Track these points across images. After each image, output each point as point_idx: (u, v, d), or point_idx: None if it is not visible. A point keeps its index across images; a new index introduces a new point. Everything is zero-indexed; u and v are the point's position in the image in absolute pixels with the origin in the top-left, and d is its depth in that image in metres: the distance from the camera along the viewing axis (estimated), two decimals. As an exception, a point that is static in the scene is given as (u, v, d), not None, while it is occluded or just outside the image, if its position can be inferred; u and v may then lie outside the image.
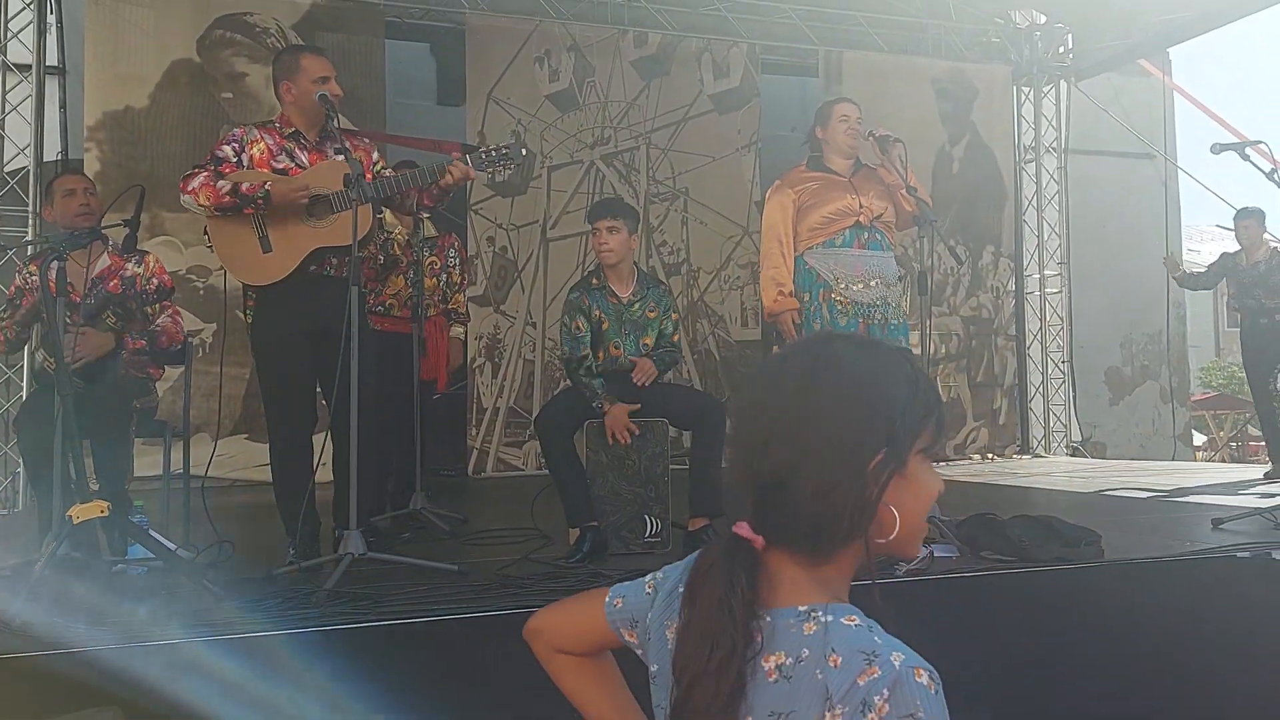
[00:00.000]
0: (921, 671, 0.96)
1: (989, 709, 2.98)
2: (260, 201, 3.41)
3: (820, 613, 1.02)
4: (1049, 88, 9.31)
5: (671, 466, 3.82)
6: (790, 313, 4.07)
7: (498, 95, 7.50)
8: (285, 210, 3.43)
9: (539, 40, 7.68)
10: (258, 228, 3.46)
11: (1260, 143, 4.60)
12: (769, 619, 1.03)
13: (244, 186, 3.42)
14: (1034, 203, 9.31)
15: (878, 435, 1.04)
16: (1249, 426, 17.28)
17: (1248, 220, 6.61)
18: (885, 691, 0.95)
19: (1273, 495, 5.18)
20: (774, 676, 1.00)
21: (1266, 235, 6.61)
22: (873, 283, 4.13)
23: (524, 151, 3.63)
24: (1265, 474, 6.44)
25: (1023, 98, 9.36)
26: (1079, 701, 3.08)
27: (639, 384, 3.86)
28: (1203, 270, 7.13)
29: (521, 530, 4.11)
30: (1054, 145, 9.29)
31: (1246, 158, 4.56)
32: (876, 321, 4.11)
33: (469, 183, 3.63)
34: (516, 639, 2.57)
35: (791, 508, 1.03)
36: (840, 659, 0.98)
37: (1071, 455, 9.12)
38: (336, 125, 3.50)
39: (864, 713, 0.95)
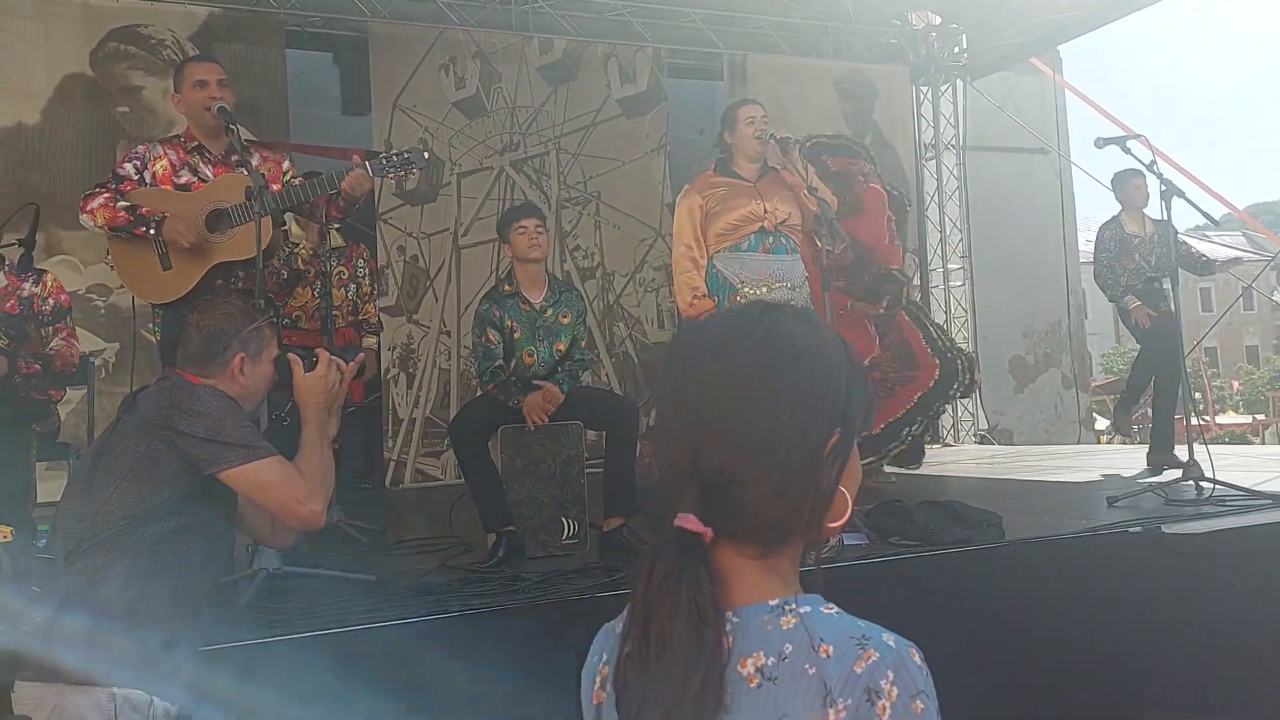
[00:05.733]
0: (914, 650, 0.93)
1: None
2: (154, 227, 3.36)
3: (794, 604, 0.95)
4: (946, 87, 9.60)
5: (586, 468, 3.86)
6: (705, 314, 4.14)
7: (403, 103, 7.46)
8: (184, 226, 3.39)
9: (443, 47, 7.65)
10: (157, 245, 3.40)
11: (1140, 136, 4.81)
12: (736, 619, 0.95)
13: (142, 210, 3.37)
14: (935, 199, 9.58)
15: (832, 416, 0.99)
16: (1149, 409, 17.96)
17: (1138, 179, 5.91)
18: (890, 674, 0.90)
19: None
20: (755, 681, 0.92)
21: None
22: (777, 286, 4.22)
23: (426, 156, 3.61)
24: (1154, 463, 5.99)
25: (921, 97, 9.62)
26: (987, 681, 3.20)
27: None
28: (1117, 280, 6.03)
29: (440, 539, 4.11)
30: (952, 143, 9.57)
31: (1128, 150, 4.77)
32: None
33: (373, 190, 3.59)
34: (435, 646, 2.60)
35: (746, 499, 0.96)
36: (832, 648, 0.92)
37: (980, 443, 9.40)
38: (238, 136, 3.46)
39: (872, 701, 0.89)
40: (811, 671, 0.91)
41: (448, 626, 2.72)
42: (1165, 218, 4.80)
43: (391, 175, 3.58)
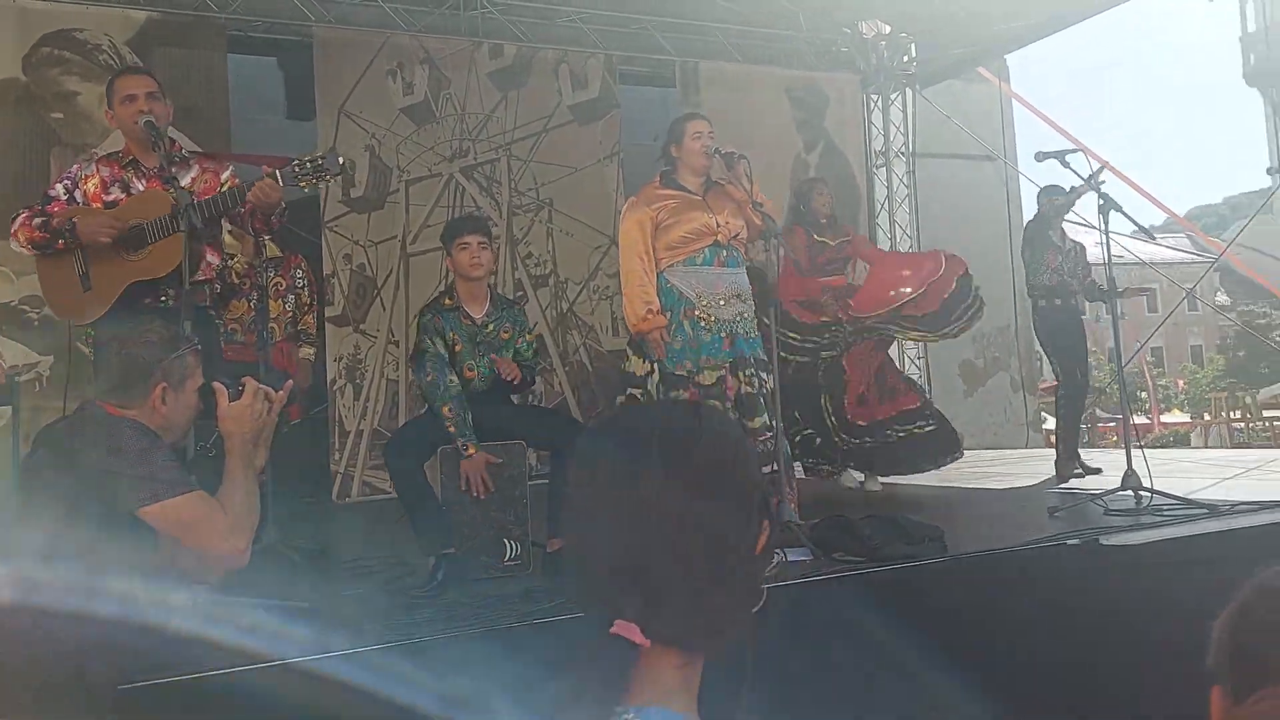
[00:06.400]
0: None
1: (848, 709, 3.08)
2: (68, 234, 3.27)
3: (631, 713, 0.94)
4: (896, 95, 9.65)
5: (529, 488, 3.82)
6: (659, 330, 4.11)
7: (349, 109, 7.35)
8: (104, 246, 3.30)
9: (390, 53, 7.56)
10: (79, 266, 3.32)
11: (1079, 150, 4.88)
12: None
13: (54, 221, 3.29)
14: (886, 206, 9.64)
15: (759, 511, 1.02)
16: (1096, 410, 18.27)
17: (1054, 196, 6.18)
18: None
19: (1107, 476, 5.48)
20: None
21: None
22: (732, 299, 4.23)
23: (341, 161, 3.50)
24: (1063, 472, 6.14)
25: (872, 105, 9.67)
26: (927, 697, 3.21)
27: (507, 378, 3.84)
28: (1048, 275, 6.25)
29: (381, 559, 4.05)
30: (902, 150, 9.64)
31: (1067, 164, 4.83)
32: (740, 336, 4.20)
33: (279, 195, 3.45)
34: (368, 678, 2.54)
35: (698, 604, 0.97)
36: None
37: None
38: (165, 150, 3.38)
39: None
40: None
41: (378, 658, 2.66)
42: (1103, 228, 4.86)
43: (304, 183, 3.44)
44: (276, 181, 3.37)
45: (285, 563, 4.18)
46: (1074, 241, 6.41)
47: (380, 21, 7.56)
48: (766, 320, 4.27)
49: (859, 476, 6.10)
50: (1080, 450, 6.40)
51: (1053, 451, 6.68)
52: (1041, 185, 6.64)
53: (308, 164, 3.42)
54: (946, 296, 5.87)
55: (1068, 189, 6.08)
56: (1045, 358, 6.64)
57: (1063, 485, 5.90)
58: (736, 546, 0.99)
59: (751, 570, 0.99)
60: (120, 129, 3.49)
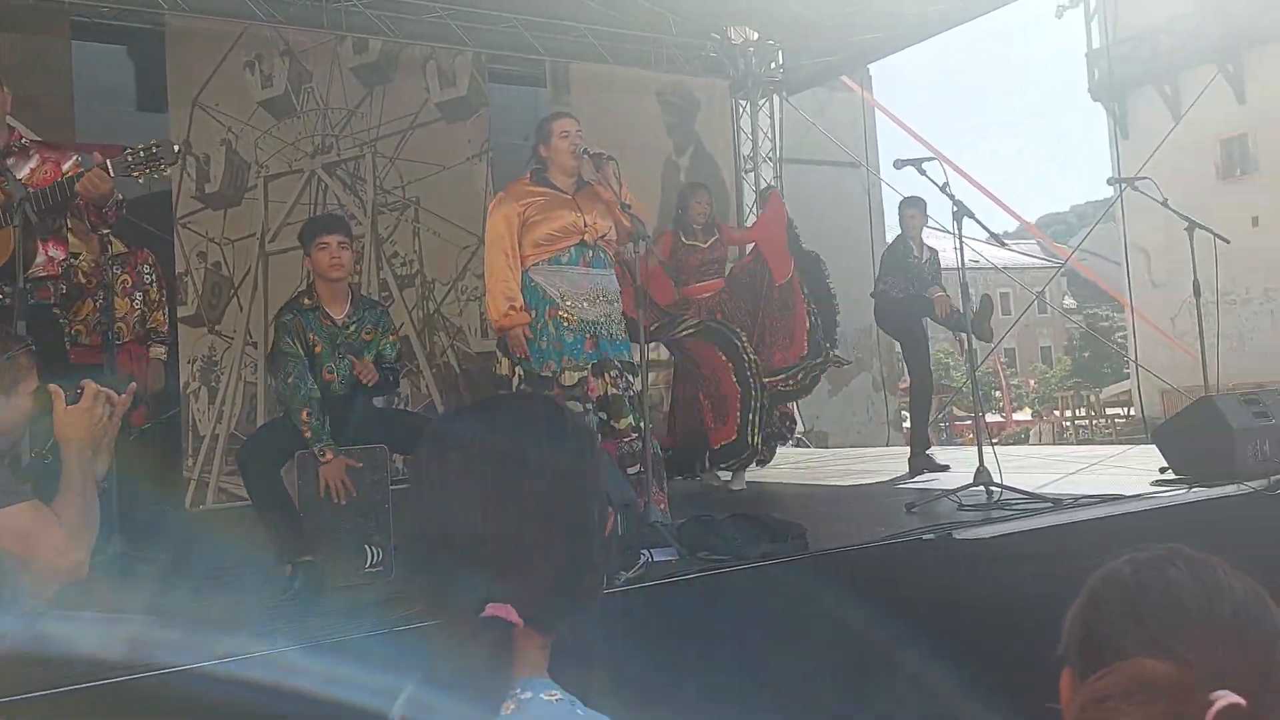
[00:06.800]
0: None
1: (714, 709, 3.11)
2: None
3: (519, 689, 0.98)
4: (764, 101, 9.85)
5: (391, 489, 3.73)
6: (521, 327, 4.07)
7: (204, 101, 7.06)
8: None
9: (248, 44, 7.29)
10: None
11: (935, 158, 5.05)
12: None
13: None
14: (754, 209, 9.81)
15: (603, 499, 1.07)
16: (953, 408, 19.01)
17: (913, 210, 6.53)
18: None
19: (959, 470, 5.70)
20: None
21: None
22: (597, 300, 4.21)
23: (176, 149, 3.35)
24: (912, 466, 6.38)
25: (740, 110, 9.84)
26: (789, 691, 3.28)
27: (365, 382, 3.73)
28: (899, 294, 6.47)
29: (236, 568, 3.90)
30: (770, 155, 9.84)
31: (923, 172, 5.00)
32: (604, 338, 4.19)
33: (110, 187, 3.29)
34: (218, 694, 2.44)
35: (564, 586, 1.02)
36: None
37: (796, 445, 9.68)
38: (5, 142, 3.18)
39: None
40: None
41: (233, 671, 2.56)
42: (956, 233, 5.04)
43: (137, 173, 3.28)
44: (107, 172, 3.20)
45: (133, 573, 3.99)
46: (929, 249, 6.70)
47: (237, 11, 7.29)
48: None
49: (725, 476, 6.18)
50: (939, 447, 6.66)
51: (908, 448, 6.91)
52: (902, 193, 6.91)
53: (140, 153, 3.25)
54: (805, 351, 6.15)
55: (924, 201, 6.45)
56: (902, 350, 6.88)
57: (914, 481, 6.12)
58: (595, 531, 1.04)
59: (604, 553, 1.06)
60: (-54, 119, 3.26)
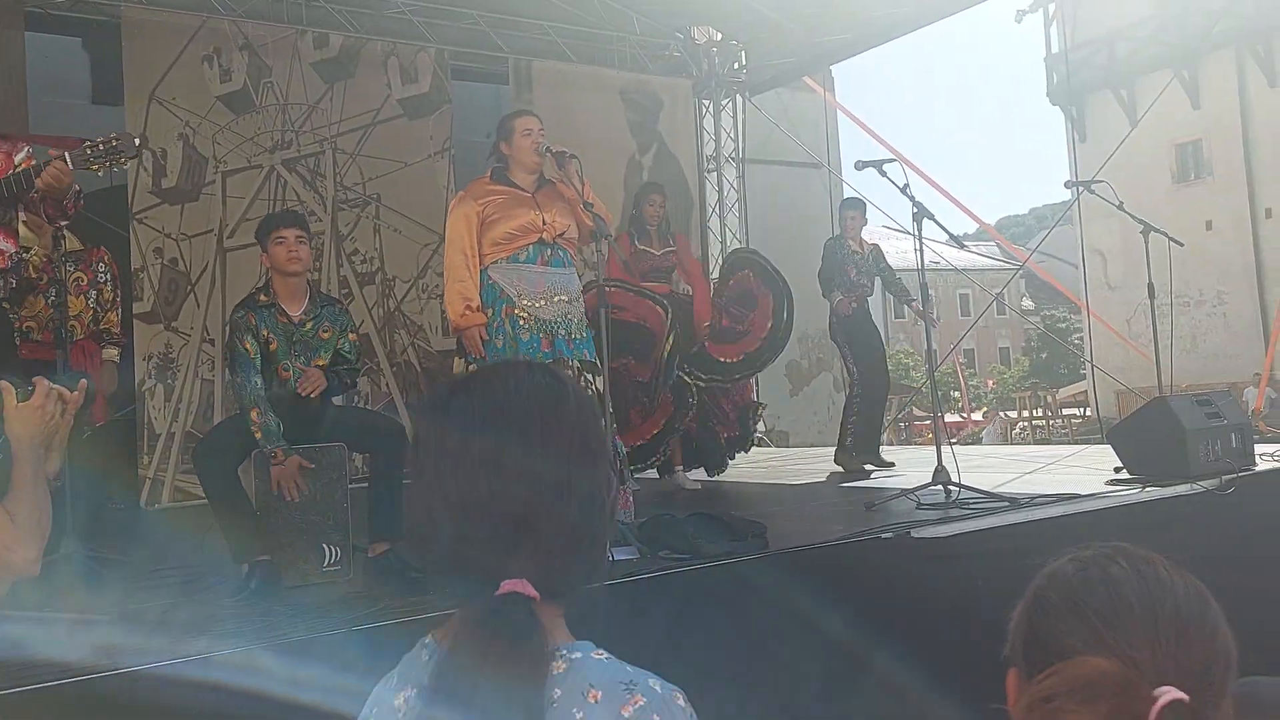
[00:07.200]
0: (679, 694, 0.98)
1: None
2: None
3: (566, 650, 0.98)
4: (726, 101, 9.88)
5: (349, 491, 3.70)
6: (478, 328, 4.05)
7: (161, 95, 6.96)
8: None
9: (207, 37, 7.20)
10: None
11: (895, 160, 5.10)
12: None
13: None
14: (717, 210, 9.85)
15: (610, 467, 1.06)
16: (913, 408, 19.19)
17: (854, 211, 6.76)
18: (656, 718, 0.94)
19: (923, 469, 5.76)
20: None
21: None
22: (556, 299, 4.18)
23: (136, 142, 3.31)
24: (853, 465, 6.50)
25: (703, 110, 9.86)
26: (750, 691, 3.29)
27: (304, 394, 3.68)
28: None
29: (191, 567, 3.85)
30: (733, 155, 9.87)
31: (884, 174, 5.04)
32: (560, 337, 4.17)
33: (71, 180, 3.26)
34: (175, 694, 2.41)
35: (575, 557, 1.01)
36: (600, 693, 0.95)
37: (757, 445, 9.73)
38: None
39: None
40: (579, 716, 0.94)
41: (190, 673, 2.52)
42: (916, 234, 5.09)
43: (96, 166, 3.24)
44: (66, 164, 3.16)
45: (85, 572, 3.92)
46: (870, 245, 6.89)
47: (196, 4, 7.19)
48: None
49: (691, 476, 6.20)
50: (898, 446, 6.73)
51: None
52: (863, 194, 6.99)
53: (100, 146, 3.22)
54: (765, 335, 6.19)
55: (864, 204, 6.77)
56: (842, 357, 6.93)
57: (856, 480, 6.22)
58: (605, 499, 1.03)
59: (612, 528, 1.05)
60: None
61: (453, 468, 1.00)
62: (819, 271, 6.74)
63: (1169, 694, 0.85)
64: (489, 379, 1.07)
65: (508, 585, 0.96)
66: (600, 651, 0.99)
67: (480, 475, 0.99)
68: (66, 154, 3.16)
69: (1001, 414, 23.75)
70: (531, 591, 0.97)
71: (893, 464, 6.52)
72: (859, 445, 6.59)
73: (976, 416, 24.37)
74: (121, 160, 3.25)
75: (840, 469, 6.58)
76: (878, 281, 6.95)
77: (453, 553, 1.00)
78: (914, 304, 6.19)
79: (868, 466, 6.48)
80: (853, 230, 6.75)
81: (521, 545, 0.98)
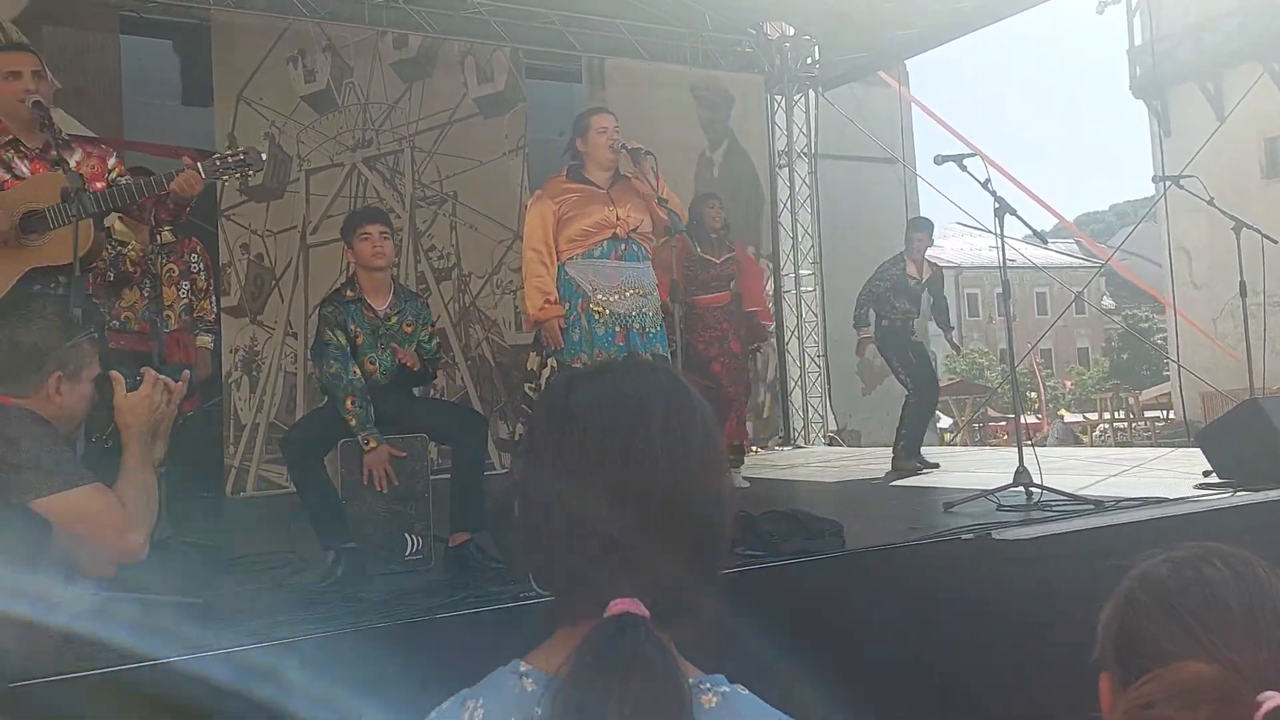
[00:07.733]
0: None
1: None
2: None
3: (711, 684, 0.90)
4: (799, 96, 9.82)
5: (432, 482, 3.78)
6: (556, 320, 4.11)
7: (248, 95, 7.16)
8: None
9: (292, 40, 7.38)
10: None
11: (975, 154, 5.02)
12: None
13: None
14: (788, 206, 9.80)
15: (728, 479, 0.98)
16: (988, 409, 18.87)
17: (921, 234, 6.75)
18: None
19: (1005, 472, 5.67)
20: None
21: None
22: (629, 293, 4.23)
23: (264, 157, 3.46)
24: (903, 467, 6.56)
25: (775, 106, 9.81)
26: (829, 690, 3.27)
27: (410, 366, 3.79)
28: (869, 327, 6.82)
29: (278, 554, 3.95)
30: (805, 151, 9.80)
31: (964, 168, 4.96)
32: (635, 330, 4.21)
33: (201, 189, 3.42)
34: (263, 676, 2.48)
35: (695, 570, 0.92)
36: None
37: (829, 444, 9.67)
38: (54, 132, 3.25)
39: None
40: None
41: (277, 653, 2.60)
42: (999, 231, 5.00)
43: (226, 177, 3.42)
44: (199, 174, 3.32)
45: (179, 558, 4.06)
46: (933, 268, 6.89)
47: (281, 7, 7.38)
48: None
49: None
50: (976, 447, 6.66)
51: (946, 448, 6.95)
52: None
53: (229, 159, 3.38)
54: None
55: (932, 224, 6.80)
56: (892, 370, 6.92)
57: (901, 480, 6.27)
58: (724, 523, 0.95)
59: (729, 533, 0.96)
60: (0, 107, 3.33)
61: (562, 474, 0.92)
62: (859, 294, 6.81)
63: (1273, 699, 0.82)
64: (606, 378, 0.97)
65: (619, 605, 0.87)
66: (740, 686, 0.91)
67: (591, 485, 0.90)
68: (200, 165, 3.31)
69: (1060, 415, 23.20)
70: (643, 611, 0.87)
71: (937, 465, 6.66)
72: (906, 450, 6.69)
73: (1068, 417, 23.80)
74: (250, 172, 3.42)
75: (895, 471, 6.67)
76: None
77: (562, 565, 0.92)
78: (950, 335, 6.48)
79: (915, 463, 6.61)
80: (917, 252, 6.76)
81: (637, 562, 0.89)
